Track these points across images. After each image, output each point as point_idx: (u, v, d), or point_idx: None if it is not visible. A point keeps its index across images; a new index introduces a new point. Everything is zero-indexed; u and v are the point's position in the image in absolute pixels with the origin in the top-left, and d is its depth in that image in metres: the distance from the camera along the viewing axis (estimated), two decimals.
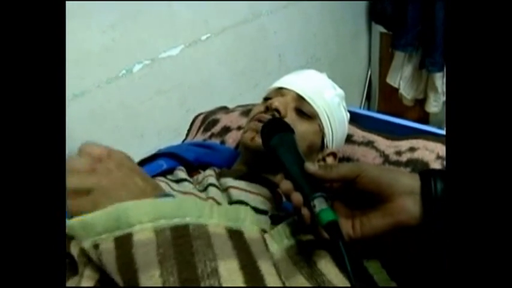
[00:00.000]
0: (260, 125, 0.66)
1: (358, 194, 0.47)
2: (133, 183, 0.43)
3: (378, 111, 2.19)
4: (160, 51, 1.27)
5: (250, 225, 0.42)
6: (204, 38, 1.36)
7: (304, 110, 0.70)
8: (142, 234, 0.36)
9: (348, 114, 0.80)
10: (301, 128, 0.68)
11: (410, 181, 0.44)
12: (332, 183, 0.48)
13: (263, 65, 1.60)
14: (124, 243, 0.36)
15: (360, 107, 2.17)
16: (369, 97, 2.22)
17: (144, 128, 1.29)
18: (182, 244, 0.35)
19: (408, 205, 0.43)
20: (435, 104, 1.84)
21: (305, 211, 0.46)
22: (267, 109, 0.69)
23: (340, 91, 0.78)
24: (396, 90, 1.92)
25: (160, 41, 1.26)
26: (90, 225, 0.37)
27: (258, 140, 0.63)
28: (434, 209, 0.42)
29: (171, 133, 1.32)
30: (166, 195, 0.43)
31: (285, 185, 0.48)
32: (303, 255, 0.49)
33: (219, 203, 0.60)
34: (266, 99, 0.75)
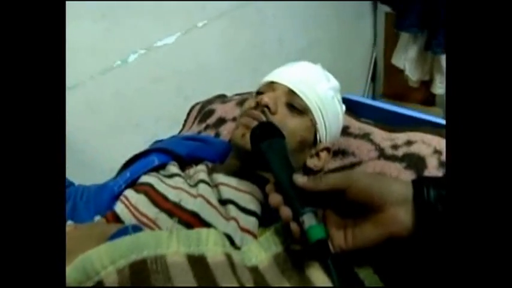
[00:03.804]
0: (250, 120, 0.65)
1: (350, 204, 0.46)
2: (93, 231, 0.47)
3: (383, 93, 2.15)
4: (156, 40, 1.24)
5: (214, 247, 0.41)
6: (200, 24, 1.33)
7: (296, 105, 0.68)
8: (109, 278, 0.37)
9: (344, 107, 0.77)
10: (292, 123, 0.67)
11: (403, 189, 0.43)
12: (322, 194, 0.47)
13: (262, 49, 1.57)
14: None
15: (365, 89, 2.13)
16: (374, 79, 2.17)
17: (141, 117, 1.29)
18: (140, 281, 0.36)
19: (400, 215, 0.42)
20: (441, 86, 1.80)
21: (294, 226, 0.45)
22: (258, 105, 0.67)
23: (334, 83, 0.75)
24: (402, 71, 1.87)
25: (155, 29, 1.24)
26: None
27: (249, 137, 0.61)
28: (427, 218, 0.41)
29: (169, 121, 1.30)
30: (125, 229, 0.43)
31: (274, 198, 0.48)
32: (291, 262, 0.48)
33: (208, 201, 0.59)
34: (258, 93, 0.73)
